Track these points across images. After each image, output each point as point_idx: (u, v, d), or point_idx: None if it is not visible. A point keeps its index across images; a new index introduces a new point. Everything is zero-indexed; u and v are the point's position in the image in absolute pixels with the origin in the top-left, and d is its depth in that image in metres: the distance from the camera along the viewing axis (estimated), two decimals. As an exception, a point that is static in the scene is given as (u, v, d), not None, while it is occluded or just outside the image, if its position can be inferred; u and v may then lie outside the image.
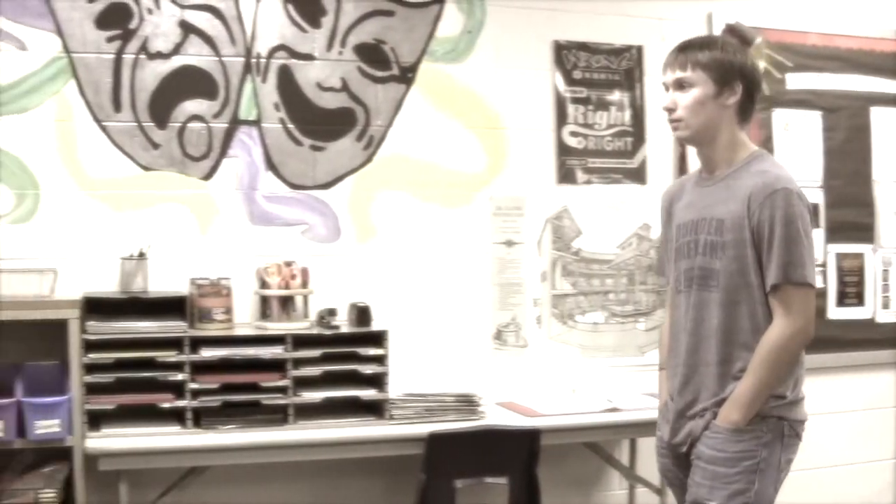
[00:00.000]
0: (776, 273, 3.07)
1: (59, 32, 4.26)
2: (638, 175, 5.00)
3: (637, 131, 5.00)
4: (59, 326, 3.94)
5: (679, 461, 3.33)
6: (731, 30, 5.04)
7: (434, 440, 4.04)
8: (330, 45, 4.56)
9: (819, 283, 5.07)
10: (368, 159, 4.61)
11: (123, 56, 4.33)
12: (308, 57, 4.54)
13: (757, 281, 3.12)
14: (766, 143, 5.14)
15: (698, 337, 3.24)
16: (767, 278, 3.09)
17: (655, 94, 4.85)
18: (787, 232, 3.06)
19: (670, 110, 3.26)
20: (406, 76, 4.65)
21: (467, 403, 4.27)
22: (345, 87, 4.58)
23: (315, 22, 4.54)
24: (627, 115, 4.98)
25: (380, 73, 4.63)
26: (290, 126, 4.52)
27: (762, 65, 5.07)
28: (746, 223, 3.11)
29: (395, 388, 4.21)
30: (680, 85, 3.22)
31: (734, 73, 3.19)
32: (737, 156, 3.23)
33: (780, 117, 5.24)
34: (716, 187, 3.25)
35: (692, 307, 3.26)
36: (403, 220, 4.66)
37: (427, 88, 4.68)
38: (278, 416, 4.10)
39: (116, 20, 4.33)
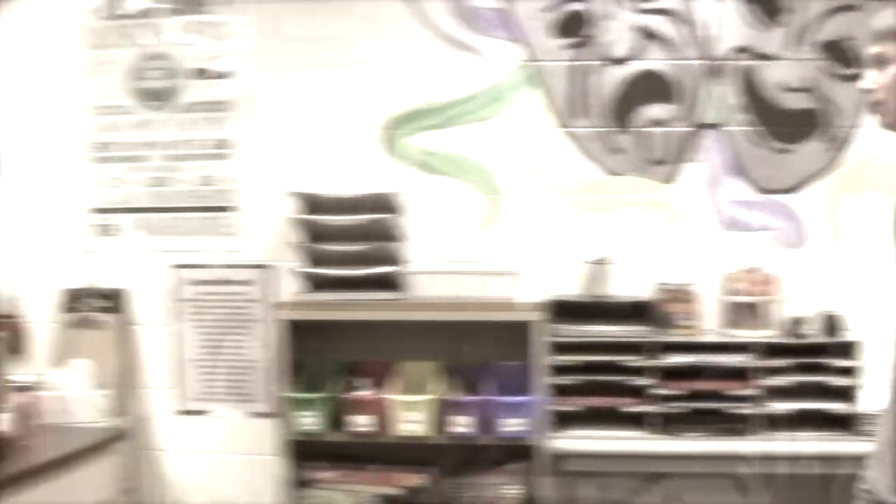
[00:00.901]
0: None
1: (519, 42, 4.37)
2: None
3: None
4: (516, 328, 4.04)
5: None
6: None
7: (908, 460, 3.79)
8: (792, 45, 4.40)
9: None
10: (837, 161, 4.41)
11: (582, 63, 4.38)
12: (770, 57, 4.40)
13: None
14: None
15: None
16: None
17: None
18: None
19: (869, 91, 2.56)
20: (874, 74, 4.41)
21: (946, 423, 3.97)
22: (809, 87, 4.40)
23: (776, 21, 4.40)
24: None
25: (846, 72, 4.42)
26: (754, 129, 4.39)
27: None
28: None
29: (869, 403, 3.99)
30: (880, 61, 2.50)
31: None
32: None
33: None
34: None
35: None
36: (876, 223, 4.39)
37: (899, 87, 4.40)
38: (741, 425, 4.03)
39: (573, 28, 4.40)
